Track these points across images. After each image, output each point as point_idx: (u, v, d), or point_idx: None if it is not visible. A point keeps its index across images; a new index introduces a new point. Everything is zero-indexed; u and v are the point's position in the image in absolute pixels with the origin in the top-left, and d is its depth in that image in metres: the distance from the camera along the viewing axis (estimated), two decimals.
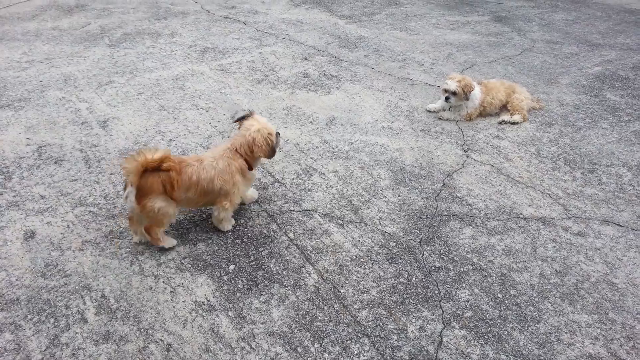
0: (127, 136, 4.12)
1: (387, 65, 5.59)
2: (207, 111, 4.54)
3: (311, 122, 4.43)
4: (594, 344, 2.48)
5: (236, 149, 3.05)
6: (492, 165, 3.90)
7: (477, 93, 4.46)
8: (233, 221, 3.22)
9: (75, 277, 2.76)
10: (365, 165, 3.87)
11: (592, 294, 2.77)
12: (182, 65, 5.40)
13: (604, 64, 5.85)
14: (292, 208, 3.39)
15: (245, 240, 3.11)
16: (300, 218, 3.30)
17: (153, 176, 2.73)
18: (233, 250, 3.02)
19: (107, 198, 3.42)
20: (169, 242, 3.01)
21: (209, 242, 3.08)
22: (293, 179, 3.69)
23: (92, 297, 2.64)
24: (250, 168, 3.13)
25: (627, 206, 3.49)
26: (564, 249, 3.10)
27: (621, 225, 3.31)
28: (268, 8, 7.31)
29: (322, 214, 3.34)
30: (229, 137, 4.16)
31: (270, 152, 3.12)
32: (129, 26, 6.37)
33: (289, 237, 3.13)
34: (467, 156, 4.01)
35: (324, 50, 5.93)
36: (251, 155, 3.07)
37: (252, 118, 3.10)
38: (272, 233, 3.17)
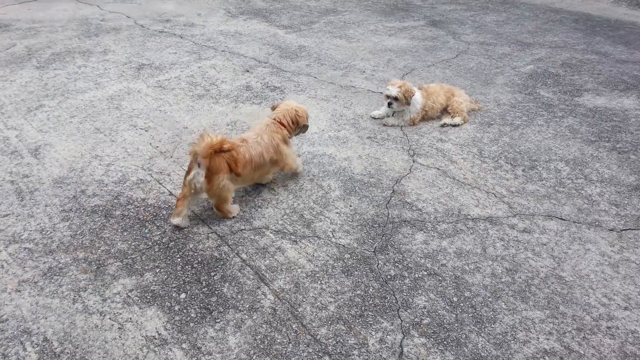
0: (61, 163, 3.90)
1: (329, 73, 5.61)
2: (146, 131, 4.37)
3: None
4: (548, 339, 2.55)
5: (279, 120, 3.53)
6: (438, 169, 3.97)
7: (418, 98, 4.54)
8: (300, 161, 3.80)
9: (13, 322, 2.56)
10: (314, 177, 3.84)
11: (543, 290, 2.86)
12: (117, 83, 5.18)
13: (536, 63, 6.12)
14: (242, 227, 3.30)
15: (195, 265, 3.00)
16: (252, 237, 3.22)
17: (218, 157, 3.09)
18: (183, 278, 2.90)
19: (44, 232, 3.21)
20: (235, 210, 3.40)
21: (157, 270, 2.95)
22: (242, 196, 3.61)
23: (33, 341, 2.46)
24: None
25: (567, 200, 3.64)
26: (512, 246, 3.19)
27: (564, 219, 3.44)
28: (205, 20, 7.16)
29: (275, 231, 3.27)
30: (171, 157, 4.02)
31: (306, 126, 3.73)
32: (58, 45, 6.06)
33: (241, 258, 3.05)
34: (414, 161, 4.06)
35: (265, 61, 5.87)
36: (293, 125, 3.59)
37: (289, 99, 3.81)
38: (223, 255, 3.07)
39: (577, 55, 6.39)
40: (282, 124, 3.52)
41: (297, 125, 3.62)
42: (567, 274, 2.97)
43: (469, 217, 3.44)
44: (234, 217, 3.38)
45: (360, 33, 6.87)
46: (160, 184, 3.72)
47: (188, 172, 3.15)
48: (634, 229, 3.35)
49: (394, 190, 3.70)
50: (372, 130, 4.51)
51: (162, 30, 6.71)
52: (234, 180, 3.24)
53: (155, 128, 4.42)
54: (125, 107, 4.73)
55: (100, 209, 3.45)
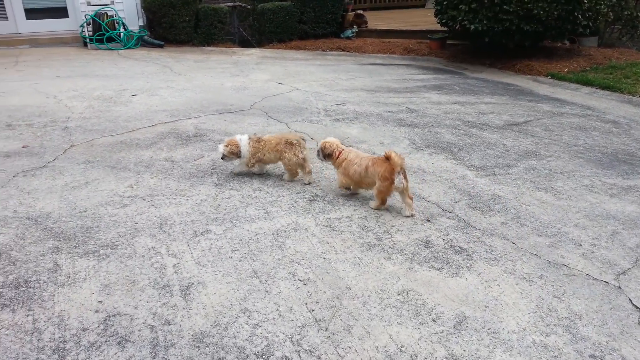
0: (207, 312, 3.41)
1: (532, 240, 4.49)
2: (305, 284, 3.74)
3: (434, 320, 3.41)
4: None
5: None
6: None
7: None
8: None
9: None
10: None
11: None
12: (287, 216, 4.78)
13: None
14: None
15: None
16: None
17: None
18: None
19: None
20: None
21: None
22: None
23: None
24: None
25: None
26: None
27: None
28: (387, 149, 6.68)
29: None
30: (327, 329, 3.27)
31: None
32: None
33: None
34: None
35: (450, 210, 5.02)
36: None
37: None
38: None
39: None
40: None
41: None
42: None
43: None
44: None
45: (570, 187, 5.66)
46: None
47: (392, 182, 4.59)
48: None
49: None
50: (598, 344, 3.23)
51: None
52: None
53: (314, 282, 3.78)
54: (289, 248, 4.23)
55: None
